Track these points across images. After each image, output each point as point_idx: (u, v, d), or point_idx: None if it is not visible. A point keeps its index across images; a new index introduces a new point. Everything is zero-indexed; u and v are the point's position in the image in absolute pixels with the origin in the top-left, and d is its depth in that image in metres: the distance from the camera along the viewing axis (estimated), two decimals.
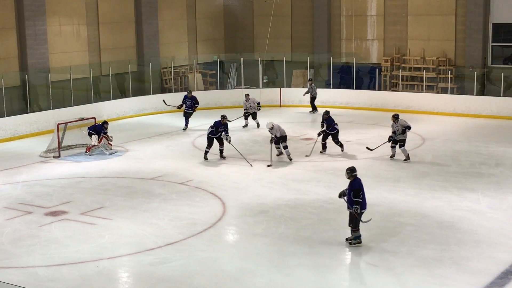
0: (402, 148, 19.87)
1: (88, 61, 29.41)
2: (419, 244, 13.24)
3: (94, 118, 22.99)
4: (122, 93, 29.49)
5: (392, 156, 20.21)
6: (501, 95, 26.73)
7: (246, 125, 25.80)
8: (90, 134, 21.45)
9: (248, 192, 17.09)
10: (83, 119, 22.88)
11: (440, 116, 27.51)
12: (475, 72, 27.89)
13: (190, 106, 25.61)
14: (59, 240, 13.85)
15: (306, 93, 28.99)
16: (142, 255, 12.96)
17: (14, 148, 22.89)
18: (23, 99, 25.94)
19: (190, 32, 34.56)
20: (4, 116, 24.36)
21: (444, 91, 29.34)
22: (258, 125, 25.54)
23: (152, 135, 24.52)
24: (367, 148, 20.94)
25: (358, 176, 13.36)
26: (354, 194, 13.04)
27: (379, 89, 30.38)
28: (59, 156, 21.29)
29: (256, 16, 36.13)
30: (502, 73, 27.06)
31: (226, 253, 13.24)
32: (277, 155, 20.59)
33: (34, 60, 26.77)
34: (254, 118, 25.75)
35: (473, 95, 27.57)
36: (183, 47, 34.21)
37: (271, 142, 20.25)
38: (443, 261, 12.36)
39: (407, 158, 19.82)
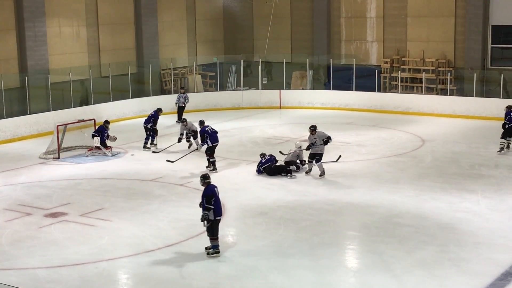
0: (318, 163, 18.35)
1: (88, 62, 29.41)
2: (418, 245, 13.24)
3: (94, 119, 23.00)
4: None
5: (308, 172, 18.71)
6: (501, 96, 26.73)
7: (191, 144, 22.49)
8: (93, 136, 21.44)
9: (248, 194, 17.09)
10: (82, 120, 22.89)
11: (440, 118, 27.51)
12: (475, 74, 27.91)
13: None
14: (59, 242, 13.84)
15: (177, 103, 27.28)
16: (141, 257, 12.95)
17: (13, 150, 22.88)
18: (23, 101, 25.94)
19: (189, 34, 34.57)
20: (4, 118, 24.36)
21: (443, 92, 29.36)
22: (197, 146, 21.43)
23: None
24: (280, 152, 19.81)
25: (211, 183, 12.97)
26: (207, 201, 12.78)
27: (379, 90, 30.38)
28: (58, 158, 21.29)
29: (256, 18, 36.15)
30: (502, 75, 27.07)
31: (226, 255, 13.22)
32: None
33: (34, 62, 26.77)
34: (195, 137, 22.02)
35: (472, 96, 27.58)
36: (183, 49, 34.22)
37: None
38: (442, 263, 12.36)
39: (322, 173, 18.34)
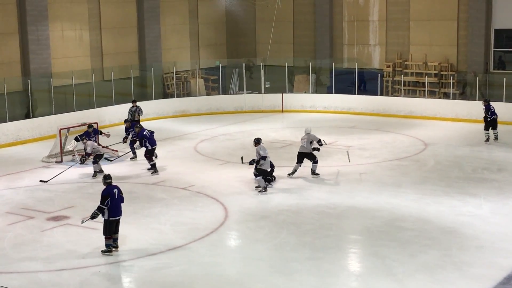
0: (258, 178, 17.56)
1: (91, 66, 29.44)
2: (421, 249, 13.23)
3: (97, 123, 22.99)
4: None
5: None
6: (503, 100, 26.70)
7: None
8: (76, 139, 20.67)
9: (250, 197, 17.09)
10: (85, 124, 22.87)
11: (442, 122, 27.49)
12: (477, 78, 27.89)
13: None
14: (61, 245, 13.85)
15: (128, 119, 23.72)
16: (144, 260, 12.95)
17: (16, 153, 22.90)
18: (26, 104, 25.98)
19: (192, 37, 34.61)
20: (7, 121, 24.39)
21: (446, 96, 29.34)
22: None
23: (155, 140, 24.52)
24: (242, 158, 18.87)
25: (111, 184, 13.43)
26: (102, 201, 13.16)
27: (381, 94, 30.38)
28: (61, 161, 21.30)
29: (258, 21, 36.18)
30: (504, 79, 27.05)
31: (228, 258, 13.23)
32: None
33: (37, 65, 26.82)
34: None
35: (475, 100, 27.55)
36: (185, 52, 34.26)
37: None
38: (445, 267, 12.34)
39: (264, 190, 17.42)
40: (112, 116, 27.59)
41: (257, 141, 17.72)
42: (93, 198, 17.19)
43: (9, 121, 24.42)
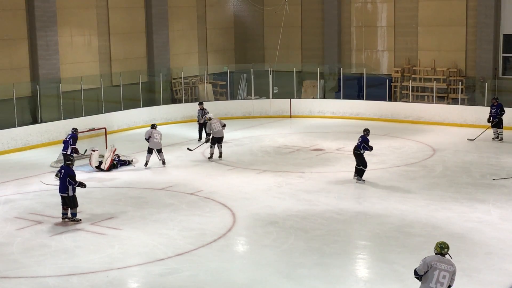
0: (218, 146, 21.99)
1: (99, 71, 29.53)
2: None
3: (105, 128, 23.05)
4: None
5: (210, 157, 21.83)
6: None
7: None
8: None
9: (258, 203, 17.08)
10: (93, 129, 22.94)
11: (451, 127, 27.42)
12: (486, 83, 27.83)
13: None
14: (70, 250, 13.88)
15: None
16: (152, 266, 12.96)
17: (25, 158, 22.97)
18: (34, 110, 26.06)
19: (200, 43, 34.66)
20: (15, 126, 24.47)
21: (454, 102, 29.27)
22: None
23: (162, 145, 24.54)
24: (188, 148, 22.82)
25: None
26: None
27: (390, 100, 30.33)
28: None
29: (267, 27, 36.21)
30: None
31: (236, 264, 13.22)
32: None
33: (46, 71, 26.90)
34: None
35: (483, 106, 27.47)
36: (194, 58, 34.31)
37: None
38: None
39: (221, 155, 22.02)
40: (120, 122, 27.65)
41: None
42: (101, 204, 17.25)
43: (18, 126, 24.50)
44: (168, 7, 32.08)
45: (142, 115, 28.83)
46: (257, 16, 36.14)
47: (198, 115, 25.45)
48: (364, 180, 18.79)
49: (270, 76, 31.41)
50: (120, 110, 28.19)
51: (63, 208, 15.76)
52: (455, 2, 30.38)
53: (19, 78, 26.43)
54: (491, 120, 24.18)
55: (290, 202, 17.11)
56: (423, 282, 9.74)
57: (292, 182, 19.00)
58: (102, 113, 27.43)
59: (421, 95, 30.56)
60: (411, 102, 29.90)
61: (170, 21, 32.44)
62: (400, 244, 13.92)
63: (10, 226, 15.53)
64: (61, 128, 24.88)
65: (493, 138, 24.23)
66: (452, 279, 9.75)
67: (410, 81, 30.37)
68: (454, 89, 29.74)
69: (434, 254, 9.89)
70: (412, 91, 30.36)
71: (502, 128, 24.23)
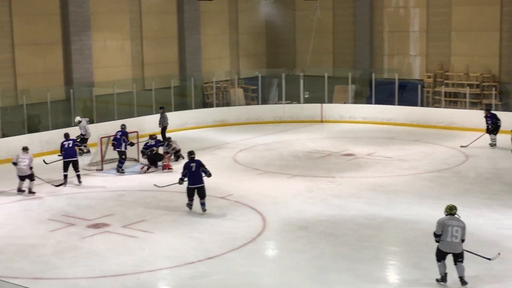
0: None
1: (132, 75, 29.77)
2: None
3: (137, 132, 23.20)
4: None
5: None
6: None
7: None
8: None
9: (288, 207, 17.06)
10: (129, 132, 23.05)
11: (483, 133, 27.06)
12: None
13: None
14: (101, 252, 14.00)
15: (160, 124, 26.35)
16: (182, 269, 13.02)
17: (58, 161, 23.17)
18: (68, 113, 26.35)
19: (232, 48, 34.78)
20: (49, 129, 24.77)
21: (487, 107, 28.90)
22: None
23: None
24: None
25: None
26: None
27: (422, 105, 30.09)
28: (102, 169, 21.56)
29: (298, 32, 36.20)
30: None
31: (266, 268, 13.22)
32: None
33: (79, 75, 27.21)
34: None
35: None
36: (225, 62, 34.43)
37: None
38: (486, 280, 12.16)
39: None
40: (152, 125, 27.79)
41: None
42: (132, 207, 17.37)
43: (52, 129, 24.78)
44: (200, 12, 32.27)
45: (173, 119, 28.93)
46: (289, 21, 36.15)
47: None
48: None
49: (302, 81, 31.38)
50: (152, 114, 28.36)
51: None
52: (489, 7, 30.07)
53: (53, 82, 26.78)
54: (488, 128, 24.29)
55: (320, 207, 17.06)
56: (441, 239, 11.76)
57: (322, 187, 18.94)
58: (134, 116, 27.64)
59: (453, 101, 30.27)
60: (444, 107, 29.63)
61: (202, 25, 32.61)
62: (432, 250, 13.74)
63: (43, 228, 15.72)
64: (94, 131, 25.09)
65: (490, 144, 24.12)
66: (463, 233, 11.81)
67: (443, 86, 30.11)
68: (487, 94, 29.42)
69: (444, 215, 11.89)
70: (445, 96, 30.08)
71: (496, 135, 24.20)
